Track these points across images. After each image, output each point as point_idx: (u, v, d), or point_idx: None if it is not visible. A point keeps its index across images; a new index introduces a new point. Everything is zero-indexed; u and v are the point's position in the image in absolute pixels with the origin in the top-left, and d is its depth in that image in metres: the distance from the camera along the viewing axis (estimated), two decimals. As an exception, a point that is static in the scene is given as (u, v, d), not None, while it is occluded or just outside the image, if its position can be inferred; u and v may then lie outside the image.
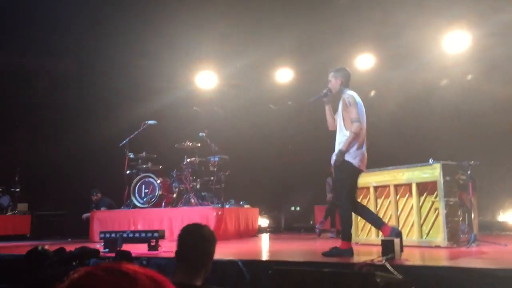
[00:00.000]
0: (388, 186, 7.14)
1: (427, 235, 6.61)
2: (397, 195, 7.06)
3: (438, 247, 6.31)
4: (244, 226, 10.08)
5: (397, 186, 7.06)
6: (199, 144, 10.35)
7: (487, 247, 6.12)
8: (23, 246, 7.35)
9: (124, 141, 10.10)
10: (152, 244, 6.54)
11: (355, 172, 5.68)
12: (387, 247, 4.77)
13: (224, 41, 11.01)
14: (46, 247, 4.92)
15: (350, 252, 5.44)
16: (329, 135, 5.93)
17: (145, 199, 9.94)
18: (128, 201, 10.11)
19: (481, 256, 5.44)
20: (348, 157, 5.55)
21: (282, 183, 13.11)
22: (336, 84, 5.82)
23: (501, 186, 9.81)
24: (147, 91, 11.98)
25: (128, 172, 10.18)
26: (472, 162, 6.71)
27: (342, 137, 5.64)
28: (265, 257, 6.47)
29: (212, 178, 10.32)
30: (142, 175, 10.11)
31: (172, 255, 5.91)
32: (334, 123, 5.85)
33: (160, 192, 9.83)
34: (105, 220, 9.80)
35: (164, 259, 5.63)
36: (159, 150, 10.82)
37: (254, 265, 4.91)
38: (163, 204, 9.92)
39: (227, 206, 9.75)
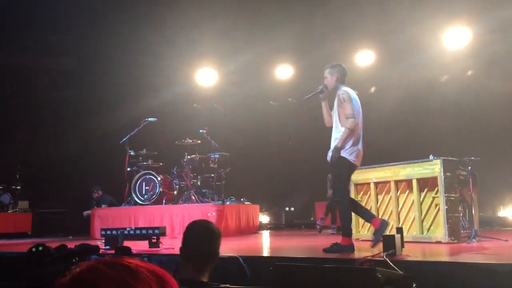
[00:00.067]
0: (389, 182, 7.14)
1: (427, 231, 6.61)
2: (397, 191, 7.05)
3: (438, 242, 6.30)
4: (244, 223, 10.09)
5: (397, 182, 7.06)
6: (199, 141, 10.35)
7: (487, 243, 6.12)
8: (24, 243, 7.36)
9: (125, 138, 10.10)
10: (153, 241, 6.55)
11: (351, 168, 5.70)
12: (388, 242, 4.77)
13: (224, 38, 11.01)
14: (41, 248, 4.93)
15: (351, 248, 5.44)
16: (329, 132, 5.93)
17: (145, 196, 9.95)
18: (129, 198, 10.12)
19: (481, 252, 5.44)
20: (344, 153, 5.57)
21: (282, 179, 13.11)
22: (332, 81, 5.83)
23: (501, 182, 9.80)
24: (147, 88, 11.98)
25: (128, 169, 10.19)
26: (473, 157, 6.71)
27: (337, 134, 5.65)
28: (266, 253, 6.47)
29: (212, 175, 10.32)
30: (143, 172, 10.12)
31: (173, 252, 5.95)
32: (331, 119, 5.85)
33: (160, 189, 9.84)
34: (106, 218, 9.81)
35: (165, 256, 5.63)
36: (159, 147, 10.82)
37: (255, 261, 4.92)
38: (164, 201, 9.92)
39: (227, 203, 9.75)
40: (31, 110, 12.12)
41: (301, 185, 12.90)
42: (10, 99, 11.80)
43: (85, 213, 10.94)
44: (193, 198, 9.74)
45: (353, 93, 5.75)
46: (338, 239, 5.64)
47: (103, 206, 10.76)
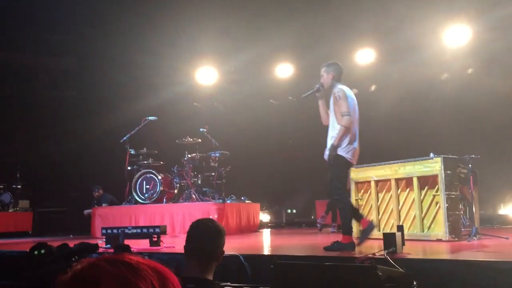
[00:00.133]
0: (389, 180, 7.14)
1: (428, 229, 6.61)
2: (398, 189, 7.06)
3: (439, 240, 6.30)
4: (245, 222, 10.10)
5: (398, 180, 7.06)
6: (199, 140, 10.36)
7: (488, 241, 6.12)
8: (25, 242, 7.37)
9: (125, 137, 10.10)
10: (154, 239, 6.56)
11: (348, 166, 5.72)
12: (389, 240, 4.77)
13: (224, 36, 11.01)
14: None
15: (351, 246, 5.44)
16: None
17: (146, 195, 9.96)
18: (130, 197, 10.12)
19: (482, 249, 5.44)
20: (340, 152, 5.59)
21: (283, 178, 13.11)
22: (328, 79, 5.85)
23: (502, 180, 9.81)
24: (147, 87, 11.98)
25: (129, 168, 10.20)
26: (473, 155, 6.71)
27: (333, 132, 5.68)
28: (266, 251, 6.48)
29: (213, 173, 10.33)
30: (143, 171, 10.12)
31: (174, 250, 5.95)
32: (328, 118, 5.86)
33: (161, 188, 9.84)
34: (106, 216, 9.81)
35: (166, 254, 5.64)
36: (160, 146, 10.83)
37: (255, 259, 4.92)
38: (165, 199, 9.93)
39: (228, 202, 9.76)
40: (31, 109, 12.13)
41: (302, 183, 12.89)
42: (10, 99, 11.81)
43: (86, 212, 10.96)
44: (194, 196, 9.74)
45: (349, 91, 5.76)
46: (339, 237, 5.64)
47: (103, 205, 10.77)
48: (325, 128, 6.01)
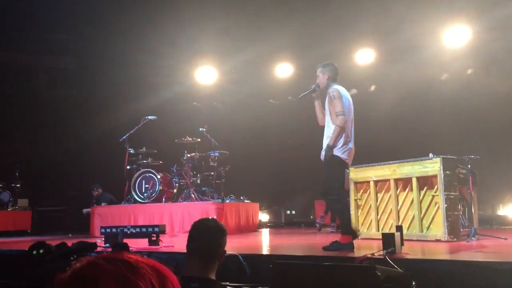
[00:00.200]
0: (389, 180, 7.14)
1: (427, 229, 6.62)
2: (397, 189, 7.06)
3: (438, 241, 6.31)
4: (244, 221, 10.10)
5: (397, 180, 7.06)
6: (199, 139, 10.36)
7: (487, 241, 6.12)
8: (24, 241, 7.36)
9: (124, 137, 10.09)
10: (153, 239, 6.55)
11: (344, 166, 5.73)
12: (388, 241, 4.78)
13: (224, 36, 11.01)
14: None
15: (350, 246, 5.44)
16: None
17: (145, 194, 9.95)
18: (129, 196, 10.12)
19: (481, 250, 5.45)
20: (336, 152, 5.61)
21: (282, 178, 13.10)
22: (324, 79, 5.88)
23: (501, 180, 9.81)
24: (147, 87, 11.98)
25: (128, 167, 10.19)
26: (472, 156, 6.72)
27: (329, 132, 5.70)
28: (265, 251, 6.48)
29: (212, 173, 10.33)
30: (143, 170, 10.12)
31: (173, 250, 5.95)
32: (324, 118, 5.88)
33: (160, 187, 9.84)
34: (105, 215, 9.81)
35: (165, 253, 5.64)
36: (159, 146, 10.82)
37: (254, 259, 4.93)
38: (164, 199, 9.92)
39: (227, 201, 9.76)
40: (31, 108, 12.12)
41: (301, 183, 12.89)
42: (10, 98, 11.80)
43: (85, 210, 10.95)
44: (193, 196, 9.75)
45: (343, 91, 5.79)
46: (338, 237, 5.64)
47: (103, 204, 10.77)
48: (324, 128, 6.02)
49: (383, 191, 7.27)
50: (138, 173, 10.11)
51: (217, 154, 10.33)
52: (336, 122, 5.59)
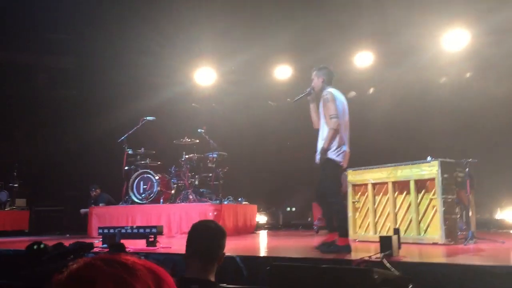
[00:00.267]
0: (386, 183, 7.14)
1: (424, 232, 6.62)
2: (395, 192, 7.06)
3: (435, 244, 6.32)
4: (242, 223, 10.09)
5: (395, 183, 7.06)
6: (197, 140, 10.36)
7: (484, 245, 6.13)
8: (22, 241, 7.35)
9: (123, 137, 10.10)
10: (150, 240, 6.55)
11: (339, 169, 5.74)
12: (385, 243, 4.78)
13: (223, 37, 11.02)
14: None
15: (347, 249, 5.45)
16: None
17: (143, 195, 9.94)
18: (127, 197, 10.11)
19: (478, 253, 5.45)
20: (330, 155, 5.63)
21: (280, 179, 13.10)
22: (319, 82, 5.94)
23: (499, 184, 9.81)
24: (146, 87, 11.99)
25: (126, 168, 10.19)
26: (470, 159, 6.72)
27: (323, 135, 5.73)
28: (263, 253, 6.48)
29: (210, 174, 10.33)
30: (141, 171, 10.11)
31: (170, 251, 5.94)
32: (319, 121, 5.91)
33: (158, 188, 9.83)
34: (103, 216, 9.80)
35: (162, 254, 5.64)
36: (157, 146, 10.82)
37: (252, 261, 4.93)
38: (162, 200, 9.92)
39: (225, 203, 9.76)
40: (29, 108, 12.12)
41: (299, 185, 12.89)
42: (9, 98, 11.79)
43: (82, 210, 10.95)
44: (191, 197, 9.74)
45: (338, 94, 5.82)
46: (324, 236, 5.64)
47: (100, 204, 10.75)
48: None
49: (381, 193, 7.28)
50: (136, 173, 10.10)
51: (215, 155, 10.33)
52: (329, 125, 5.62)
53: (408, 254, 4.95)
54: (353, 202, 7.63)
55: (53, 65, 12.40)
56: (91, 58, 11.85)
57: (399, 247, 4.92)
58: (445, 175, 6.48)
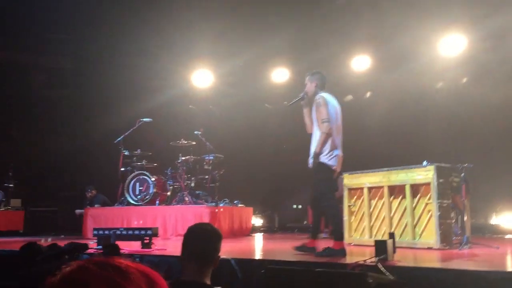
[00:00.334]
0: (382, 187, 7.15)
1: (420, 237, 6.63)
2: (391, 196, 7.07)
3: (430, 248, 6.33)
4: (238, 225, 10.09)
5: (391, 187, 7.07)
6: (194, 143, 10.35)
7: (479, 250, 6.14)
8: (16, 241, 7.33)
9: (119, 138, 10.08)
10: (145, 241, 6.55)
11: (332, 173, 5.76)
12: (380, 248, 4.79)
13: (221, 39, 11.02)
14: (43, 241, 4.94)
15: (342, 252, 5.46)
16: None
17: (139, 197, 9.93)
18: (122, 198, 10.09)
19: (473, 259, 5.46)
20: (323, 159, 5.66)
21: (276, 182, 13.10)
22: (312, 87, 5.99)
23: (494, 189, 9.83)
24: (143, 89, 11.98)
25: (122, 169, 10.17)
26: (466, 164, 6.73)
27: (316, 139, 5.74)
28: (258, 256, 6.48)
29: (206, 176, 10.32)
30: (137, 172, 10.10)
31: (165, 253, 5.93)
32: (312, 126, 5.95)
33: (154, 190, 9.82)
34: (98, 217, 9.78)
35: (157, 256, 5.63)
36: (154, 148, 10.81)
37: (246, 264, 4.92)
38: (157, 202, 9.91)
39: (221, 205, 9.75)
40: (25, 107, 12.09)
41: (295, 188, 12.89)
42: (4, 96, 11.76)
43: (78, 211, 10.91)
44: (187, 199, 9.73)
45: (330, 98, 5.85)
46: (330, 243, 5.65)
47: (96, 205, 10.74)
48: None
49: (377, 197, 7.28)
50: (132, 175, 10.09)
51: (211, 157, 10.32)
52: (321, 129, 5.65)
53: (403, 259, 4.95)
54: (349, 206, 7.63)
55: (50, 65, 12.38)
56: (88, 59, 11.83)
57: (394, 251, 4.93)
58: (441, 180, 6.50)
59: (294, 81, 12.02)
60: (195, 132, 10.25)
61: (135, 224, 9.20)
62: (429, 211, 6.55)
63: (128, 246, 6.22)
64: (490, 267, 4.56)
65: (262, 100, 13.08)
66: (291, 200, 12.97)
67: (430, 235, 6.47)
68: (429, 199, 6.54)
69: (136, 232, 6.74)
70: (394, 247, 4.95)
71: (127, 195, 9.98)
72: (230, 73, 12.41)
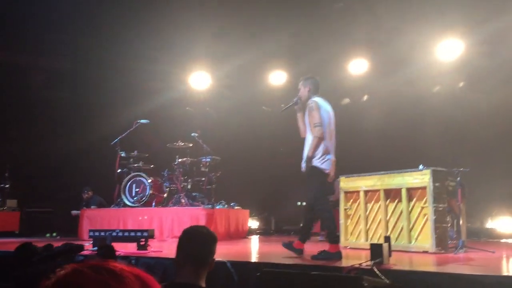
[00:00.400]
0: (378, 190, 7.17)
1: (415, 240, 6.65)
2: (387, 200, 7.09)
3: (426, 252, 6.34)
4: (234, 228, 10.08)
5: (387, 191, 7.09)
6: (191, 144, 10.35)
7: (474, 254, 6.15)
8: (12, 242, 7.31)
9: (116, 140, 10.07)
10: (141, 243, 6.54)
11: (325, 176, 5.77)
12: (376, 251, 4.80)
13: (218, 42, 11.04)
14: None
15: (338, 256, 5.47)
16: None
17: (135, 198, 9.92)
18: (119, 199, 10.08)
19: (468, 263, 5.47)
20: (315, 163, 5.68)
21: (273, 185, 13.11)
22: (305, 92, 6.03)
23: (490, 193, 9.86)
24: (141, 91, 11.97)
25: (119, 170, 10.16)
26: (462, 168, 6.75)
27: (309, 143, 5.77)
28: (254, 259, 6.47)
29: (203, 178, 10.32)
30: (133, 174, 10.09)
31: (161, 255, 5.93)
32: (306, 130, 5.98)
33: (150, 192, 9.81)
34: (95, 219, 9.76)
35: (153, 258, 5.63)
36: (151, 150, 10.80)
37: (242, 266, 4.92)
38: (154, 203, 9.90)
39: (217, 207, 9.75)
40: (23, 108, 12.05)
41: (292, 190, 12.89)
42: (1, 97, 11.73)
43: (73, 212, 10.88)
44: (183, 201, 9.72)
45: (323, 103, 5.88)
46: (326, 246, 5.66)
47: (92, 207, 10.71)
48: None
49: (373, 201, 7.30)
50: (128, 176, 10.07)
51: (208, 159, 10.32)
52: (313, 133, 5.67)
53: (398, 262, 4.96)
54: (345, 209, 7.64)
55: (48, 66, 12.36)
56: (86, 61, 11.82)
57: (390, 255, 4.94)
58: (437, 184, 6.51)
59: (291, 84, 12.02)
60: (192, 134, 10.25)
61: (139, 219, 9.24)
62: (425, 215, 6.56)
63: (124, 248, 6.21)
64: (485, 271, 4.56)
65: (259, 103, 13.08)
66: (290, 201, 12.96)
67: (425, 239, 6.49)
68: (425, 203, 6.56)
69: (132, 233, 6.73)
70: (390, 251, 4.96)
71: (123, 197, 9.97)
72: (227, 75, 12.43)
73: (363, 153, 11.08)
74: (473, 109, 10.34)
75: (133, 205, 9.87)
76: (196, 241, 2.97)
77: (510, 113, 10.02)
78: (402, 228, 6.80)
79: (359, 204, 7.46)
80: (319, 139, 5.64)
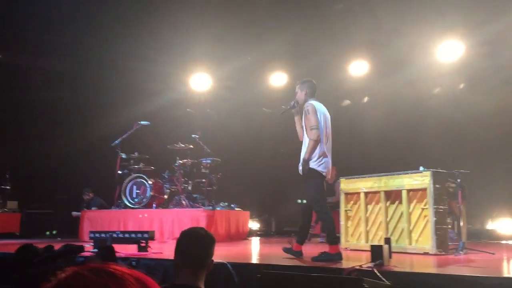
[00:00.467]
0: (379, 192, 7.17)
1: (416, 242, 6.65)
2: (387, 201, 7.09)
3: (426, 254, 6.34)
4: (234, 229, 10.08)
5: (387, 193, 7.09)
6: (191, 146, 10.35)
7: (475, 255, 6.15)
8: (12, 244, 7.31)
9: (116, 141, 10.08)
10: (142, 245, 6.54)
11: (322, 178, 5.78)
12: (376, 253, 4.80)
13: (219, 43, 11.04)
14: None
15: (339, 257, 5.47)
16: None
17: (136, 200, 9.92)
18: (119, 201, 10.08)
19: (469, 264, 5.47)
20: (312, 165, 5.70)
21: (273, 186, 13.11)
22: (302, 95, 6.06)
23: (490, 195, 9.86)
24: (141, 92, 11.97)
25: (119, 172, 10.16)
26: (462, 170, 6.75)
27: (306, 145, 5.79)
28: (254, 260, 6.47)
29: (204, 180, 10.31)
30: (134, 175, 10.09)
31: (162, 256, 5.93)
32: (303, 133, 6.00)
33: (151, 193, 9.81)
34: (95, 220, 9.76)
35: (153, 260, 5.63)
36: (151, 151, 10.80)
37: (243, 268, 4.92)
38: (154, 205, 9.89)
39: (218, 209, 9.75)
40: (23, 109, 12.06)
41: (292, 192, 12.88)
42: (1, 98, 11.74)
43: (74, 213, 10.88)
44: (184, 203, 9.72)
45: (319, 106, 5.90)
46: (327, 247, 5.66)
47: (93, 208, 10.71)
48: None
49: (373, 202, 7.30)
50: (129, 178, 10.07)
51: (209, 161, 10.32)
52: (309, 136, 5.68)
53: (399, 264, 4.96)
54: (346, 211, 7.64)
55: (47, 67, 12.36)
56: (86, 62, 11.82)
57: (390, 257, 4.94)
58: (437, 186, 6.51)
59: (292, 85, 11.99)
60: (193, 135, 10.25)
61: (139, 217, 9.24)
62: (425, 216, 6.56)
63: (125, 249, 6.21)
64: (486, 272, 4.56)
65: (259, 104, 13.09)
66: (291, 202, 12.94)
67: (426, 241, 6.49)
68: (425, 204, 6.56)
69: (133, 235, 6.73)
70: (390, 252, 4.96)
71: (124, 198, 9.98)
72: (228, 76, 12.43)
73: (364, 155, 11.09)
74: (473, 110, 10.34)
75: (133, 206, 9.87)
76: (195, 243, 2.97)
77: (511, 114, 10.02)
78: (402, 230, 6.80)
79: (359, 205, 7.46)
80: (316, 142, 5.66)
